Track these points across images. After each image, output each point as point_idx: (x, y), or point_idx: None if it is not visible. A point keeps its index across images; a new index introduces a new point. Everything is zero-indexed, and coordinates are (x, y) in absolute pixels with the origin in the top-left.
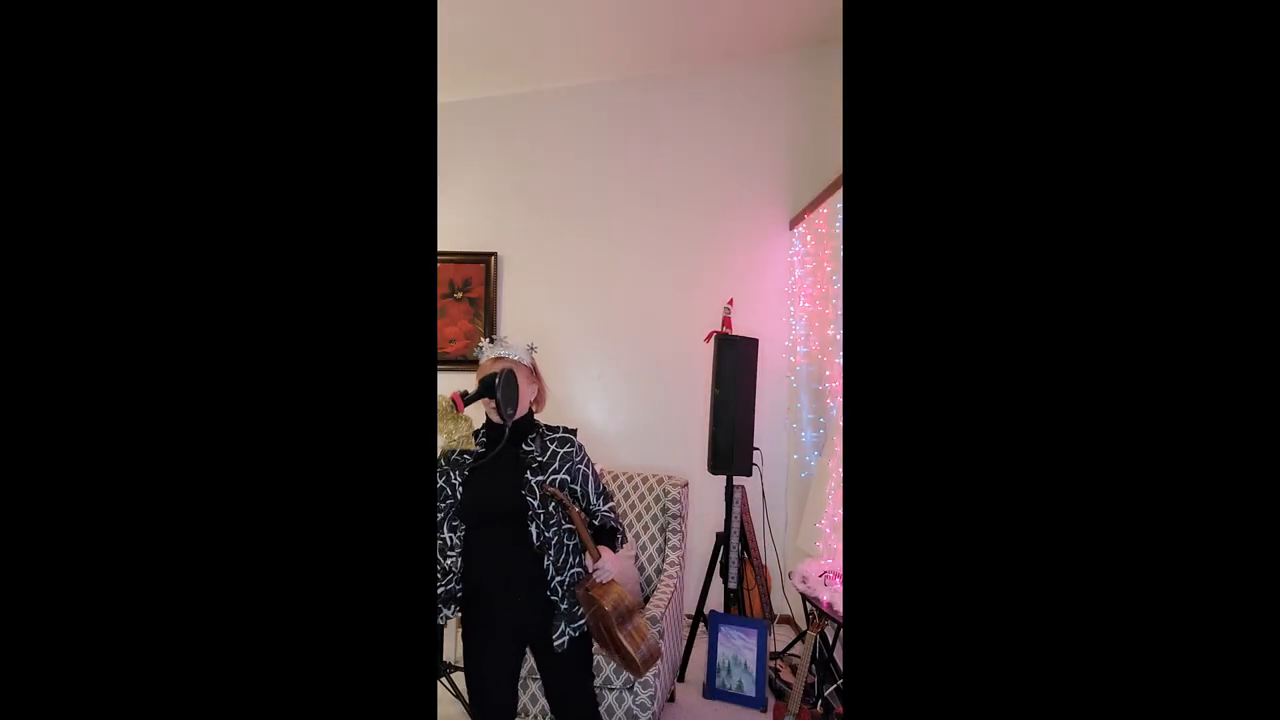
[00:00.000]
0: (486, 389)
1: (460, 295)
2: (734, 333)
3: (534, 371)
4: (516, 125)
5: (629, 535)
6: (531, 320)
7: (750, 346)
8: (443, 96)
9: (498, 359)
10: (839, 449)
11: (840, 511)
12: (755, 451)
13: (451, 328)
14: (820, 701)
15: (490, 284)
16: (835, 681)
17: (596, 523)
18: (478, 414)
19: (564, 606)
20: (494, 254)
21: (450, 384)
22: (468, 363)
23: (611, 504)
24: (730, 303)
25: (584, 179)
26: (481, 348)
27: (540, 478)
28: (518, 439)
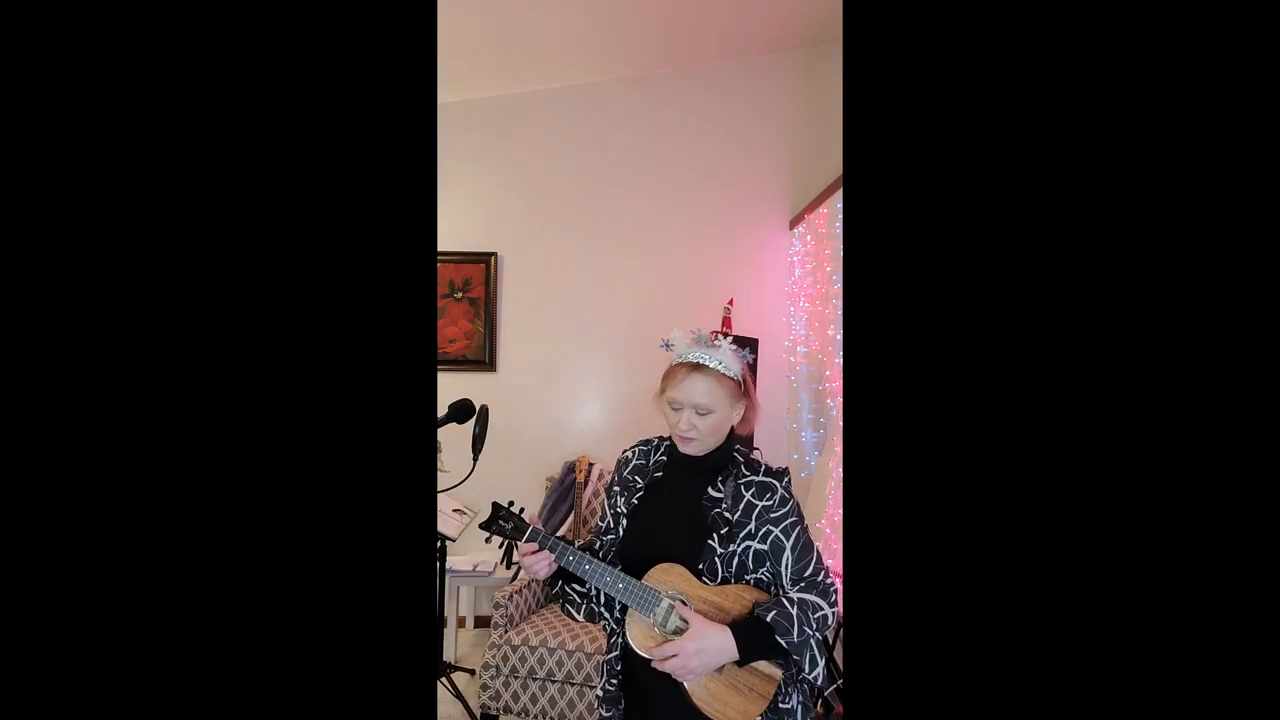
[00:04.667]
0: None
1: (460, 295)
2: (734, 333)
3: (741, 386)
4: (516, 125)
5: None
6: (532, 320)
7: (750, 346)
8: (443, 96)
9: (696, 366)
10: (839, 449)
11: (840, 511)
12: (755, 451)
13: (451, 328)
14: (820, 701)
15: (490, 284)
16: (835, 681)
17: (765, 614)
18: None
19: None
20: (494, 254)
21: (451, 384)
22: (468, 363)
23: (813, 574)
24: (730, 303)
25: (584, 179)
26: (671, 341)
27: (726, 550)
28: (705, 472)
